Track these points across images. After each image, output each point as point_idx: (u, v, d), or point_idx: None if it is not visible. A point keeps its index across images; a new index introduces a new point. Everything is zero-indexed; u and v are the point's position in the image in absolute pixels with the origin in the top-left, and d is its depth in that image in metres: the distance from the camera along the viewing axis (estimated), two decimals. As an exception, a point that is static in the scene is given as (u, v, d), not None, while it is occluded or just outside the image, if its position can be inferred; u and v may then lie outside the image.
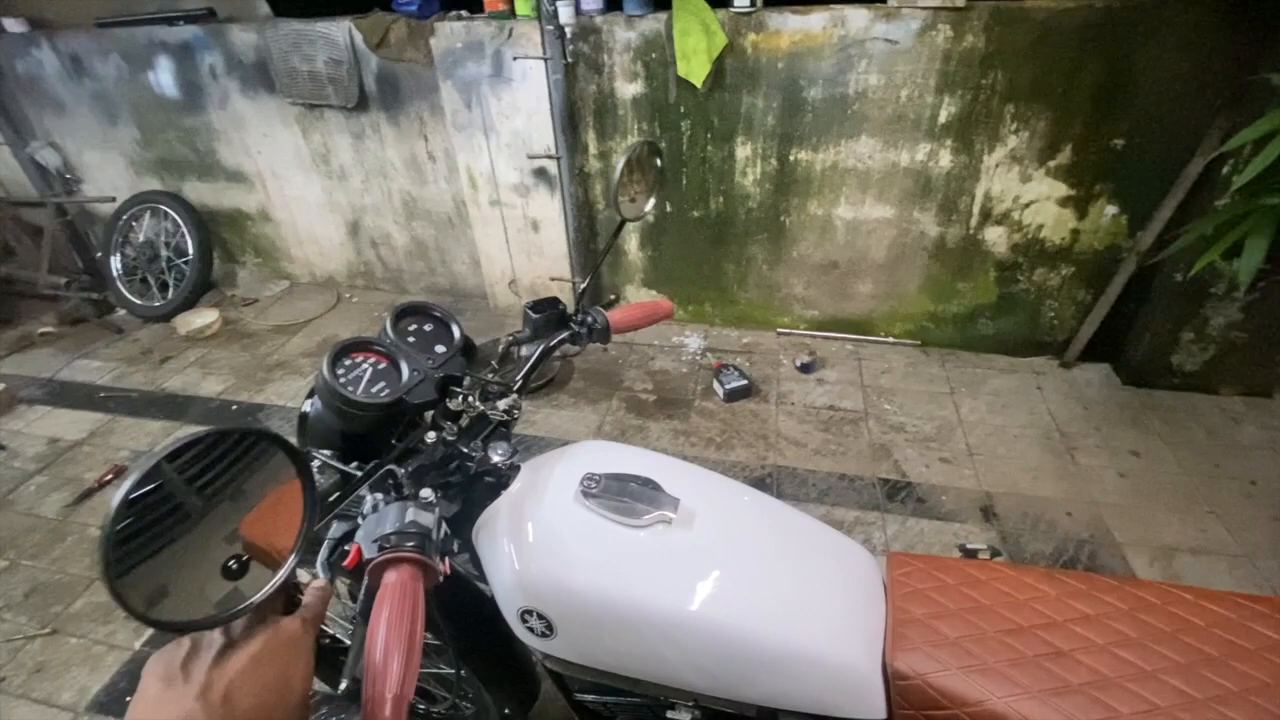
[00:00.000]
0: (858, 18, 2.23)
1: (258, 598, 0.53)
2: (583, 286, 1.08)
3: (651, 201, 1.06)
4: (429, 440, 0.83)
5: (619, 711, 0.98)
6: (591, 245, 3.00)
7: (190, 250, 3.43)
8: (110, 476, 2.34)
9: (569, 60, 2.51)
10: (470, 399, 0.86)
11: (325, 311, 3.45)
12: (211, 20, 2.99)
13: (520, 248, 2.98)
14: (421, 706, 1.38)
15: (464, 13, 2.59)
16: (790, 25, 2.29)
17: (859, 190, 2.58)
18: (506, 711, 1.22)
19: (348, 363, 0.82)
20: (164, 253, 3.47)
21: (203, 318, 3.30)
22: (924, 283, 2.73)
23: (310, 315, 3.41)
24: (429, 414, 0.88)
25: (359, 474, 0.76)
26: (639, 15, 2.41)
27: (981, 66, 2.21)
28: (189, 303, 3.43)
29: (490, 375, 0.97)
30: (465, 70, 2.58)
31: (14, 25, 3.13)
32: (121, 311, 3.52)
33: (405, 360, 0.84)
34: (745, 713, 0.81)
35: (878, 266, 2.75)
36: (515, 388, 0.93)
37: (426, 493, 0.69)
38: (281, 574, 0.54)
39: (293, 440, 0.67)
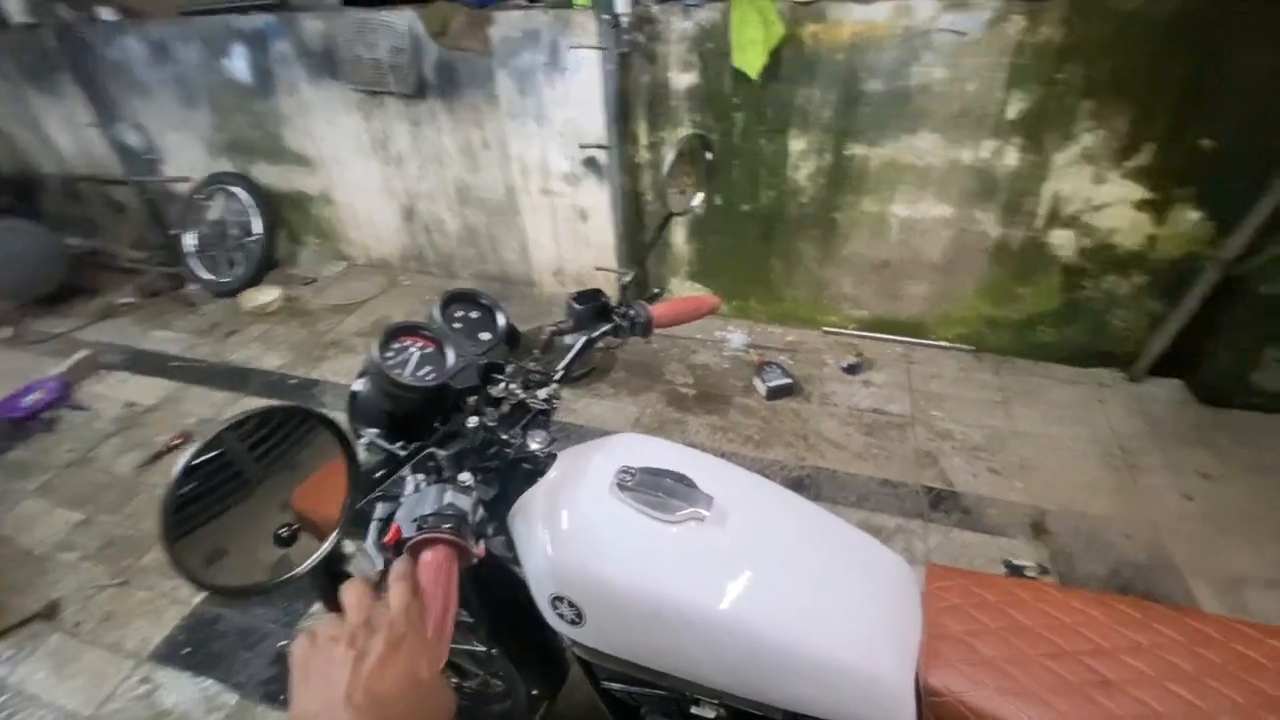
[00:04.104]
0: (924, 8, 2.14)
1: (303, 567, 0.55)
2: (627, 279, 1.09)
3: (700, 195, 1.05)
4: (470, 425, 0.85)
5: (644, 702, 0.98)
6: (638, 236, 3.00)
7: (257, 229, 3.59)
8: (177, 441, 2.49)
9: (624, 50, 2.50)
10: (511, 386, 0.88)
11: (379, 293, 3.56)
12: (283, 9, 3.10)
13: (568, 237, 3.00)
14: (454, 680, 1.43)
15: (523, 2, 2.62)
16: (852, 15, 2.22)
17: (917, 187, 2.49)
18: (534, 692, 1.25)
19: (397, 345, 0.84)
20: (233, 231, 3.64)
21: (266, 295, 3.46)
22: (982, 285, 2.63)
23: (365, 296, 3.53)
24: (473, 399, 0.90)
25: (404, 454, 0.79)
26: (696, 5, 2.38)
27: (1057, 60, 2.10)
28: (254, 280, 3.60)
29: (532, 364, 0.98)
30: (521, 59, 2.60)
31: (107, 13, 3.33)
32: (194, 286, 3.72)
33: (451, 346, 0.86)
34: (771, 715, 0.81)
35: (933, 267, 2.66)
36: (556, 378, 0.94)
37: (465, 476, 0.70)
38: (326, 546, 0.57)
39: (342, 418, 0.70)
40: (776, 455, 2.31)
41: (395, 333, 0.85)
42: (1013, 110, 2.21)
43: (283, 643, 1.74)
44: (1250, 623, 0.73)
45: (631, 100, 2.66)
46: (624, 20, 2.43)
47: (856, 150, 2.49)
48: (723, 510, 0.81)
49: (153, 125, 3.69)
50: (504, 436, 0.84)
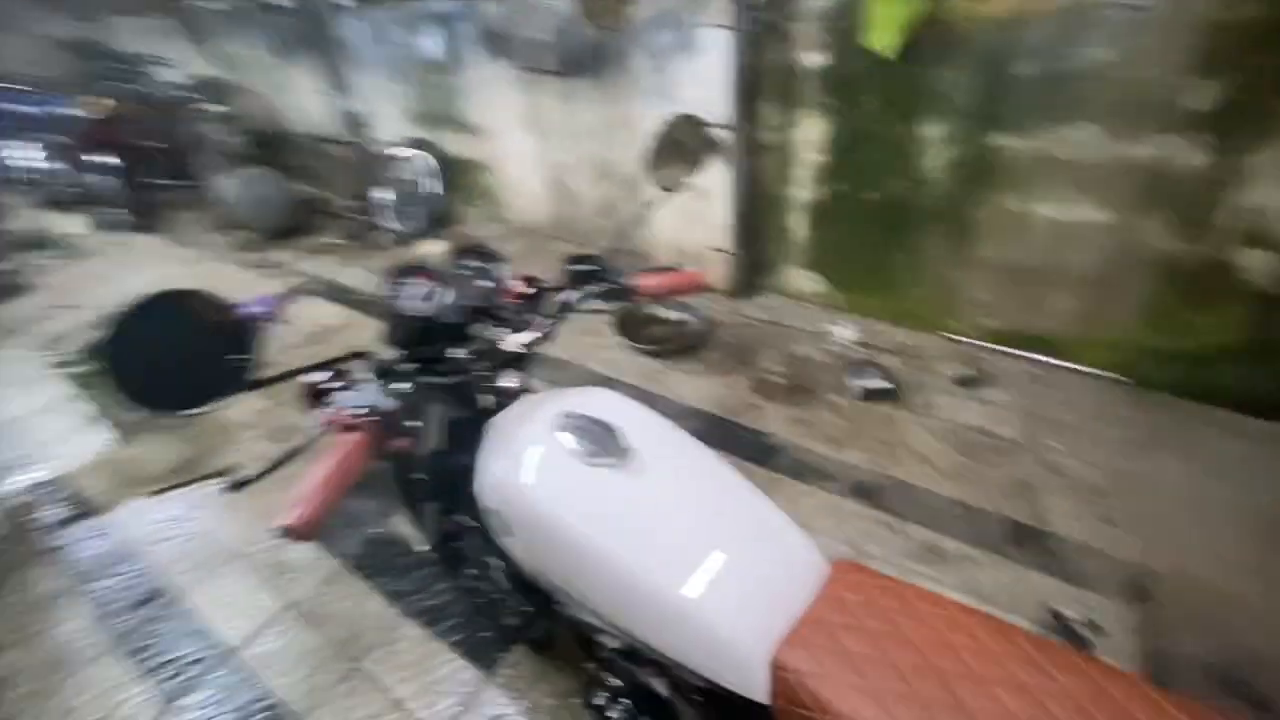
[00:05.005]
0: (1096, -22, 1.86)
1: (205, 407, 0.82)
2: (597, 251, 1.17)
3: (692, 175, 1.08)
4: (453, 355, 1.00)
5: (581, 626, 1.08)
6: (756, 219, 2.98)
7: (436, 190, 4.14)
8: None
9: (756, 30, 2.48)
10: (491, 330, 1.01)
11: (523, 255, 3.93)
12: (468, -6, 3.50)
13: (686, 214, 3.07)
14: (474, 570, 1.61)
15: (665, -18, 2.70)
16: (1006, -11, 2.00)
17: (1070, 186, 2.18)
18: (526, 608, 1.40)
19: (409, 280, 1.02)
20: (418, 190, 4.24)
21: (433, 247, 4.00)
22: (1144, 307, 2.24)
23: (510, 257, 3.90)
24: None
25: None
26: (834, -19, 2.29)
27: (1260, 41, 1.70)
28: (427, 233, 4.17)
29: (526, 315, 1.11)
30: (657, 39, 2.70)
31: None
32: (384, 234, 4.40)
33: (451, 287, 1.02)
34: (659, 660, 0.87)
35: (1084, 280, 2.32)
36: (537, 329, 1.06)
37: (403, 385, 0.86)
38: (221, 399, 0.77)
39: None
40: (850, 458, 2.22)
41: (408, 270, 1.02)
42: (1196, 100, 1.84)
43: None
44: (1164, 691, 0.64)
45: (760, 80, 2.64)
46: (758, -1, 2.42)
47: (1000, 140, 2.24)
48: (643, 465, 0.88)
49: (369, 95, 4.39)
50: (474, 369, 0.98)
